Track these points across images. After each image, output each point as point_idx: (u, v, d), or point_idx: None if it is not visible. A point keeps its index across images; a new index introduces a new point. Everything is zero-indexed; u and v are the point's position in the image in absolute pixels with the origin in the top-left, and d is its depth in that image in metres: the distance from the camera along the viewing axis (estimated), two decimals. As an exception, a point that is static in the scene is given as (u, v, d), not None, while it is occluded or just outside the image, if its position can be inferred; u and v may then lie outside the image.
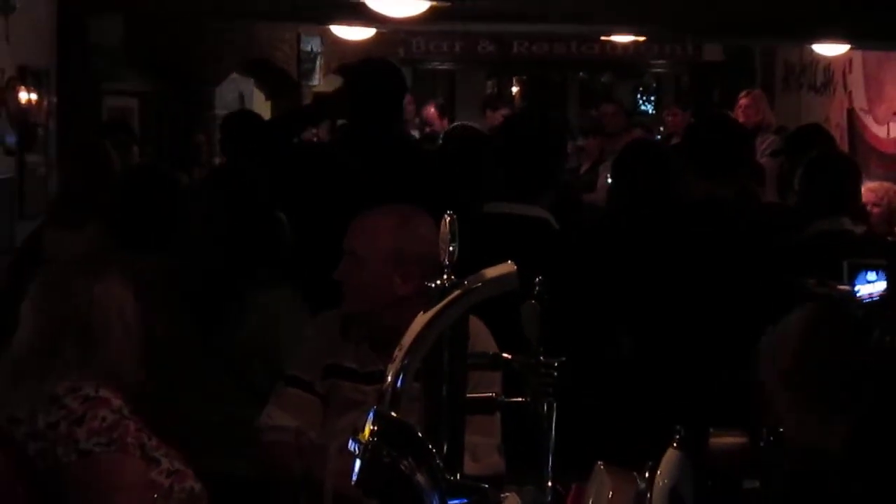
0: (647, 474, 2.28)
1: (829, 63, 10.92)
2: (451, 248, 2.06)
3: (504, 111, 10.08)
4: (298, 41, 12.17)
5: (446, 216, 2.07)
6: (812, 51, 10.46)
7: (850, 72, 10.53)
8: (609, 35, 11.65)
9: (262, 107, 11.99)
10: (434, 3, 7.07)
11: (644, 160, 4.84)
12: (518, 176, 3.99)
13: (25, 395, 2.86)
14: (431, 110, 10.98)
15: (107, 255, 4.12)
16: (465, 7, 7.63)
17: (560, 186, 4.31)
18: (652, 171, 4.73)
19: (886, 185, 6.22)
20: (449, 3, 7.23)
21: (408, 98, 10.60)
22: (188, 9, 8.67)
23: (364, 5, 7.05)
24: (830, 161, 5.02)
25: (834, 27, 8.30)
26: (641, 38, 12.48)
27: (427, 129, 10.42)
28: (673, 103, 12.44)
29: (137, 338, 2.99)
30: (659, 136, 11.21)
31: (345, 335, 3.26)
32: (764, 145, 8.35)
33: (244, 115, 6.73)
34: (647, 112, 17.53)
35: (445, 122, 10.64)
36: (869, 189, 5.85)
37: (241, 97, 12.15)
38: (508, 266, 2.08)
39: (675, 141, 9.60)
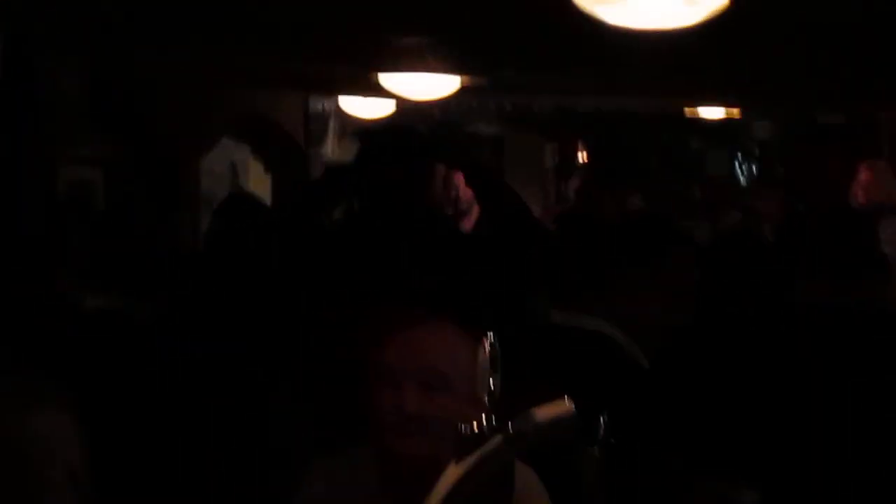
0: None
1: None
2: (491, 382, 2.06)
3: None
4: (307, 98, 12.22)
5: (486, 340, 2.07)
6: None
7: None
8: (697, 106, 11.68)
9: (260, 181, 12.03)
10: (466, 79, 7.02)
11: (738, 255, 4.84)
12: (568, 276, 3.99)
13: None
14: None
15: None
16: (508, 81, 7.56)
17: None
18: (748, 270, 4.73)
19: None
20: (486, 78, 7.18)
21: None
22: (176, 75, 8.70)
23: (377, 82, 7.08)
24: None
25: None
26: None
27: None
28: (760, 183, 12.36)
29: (86, 488, 2.84)
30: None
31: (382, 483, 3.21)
32: (888, 231, 8.28)
33: (242, 202, 6.74)
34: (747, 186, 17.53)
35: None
36: None
37: (234, 168, 12.17)
38: (564, 405, 2.08)
39: (767, 228, 9.58)
